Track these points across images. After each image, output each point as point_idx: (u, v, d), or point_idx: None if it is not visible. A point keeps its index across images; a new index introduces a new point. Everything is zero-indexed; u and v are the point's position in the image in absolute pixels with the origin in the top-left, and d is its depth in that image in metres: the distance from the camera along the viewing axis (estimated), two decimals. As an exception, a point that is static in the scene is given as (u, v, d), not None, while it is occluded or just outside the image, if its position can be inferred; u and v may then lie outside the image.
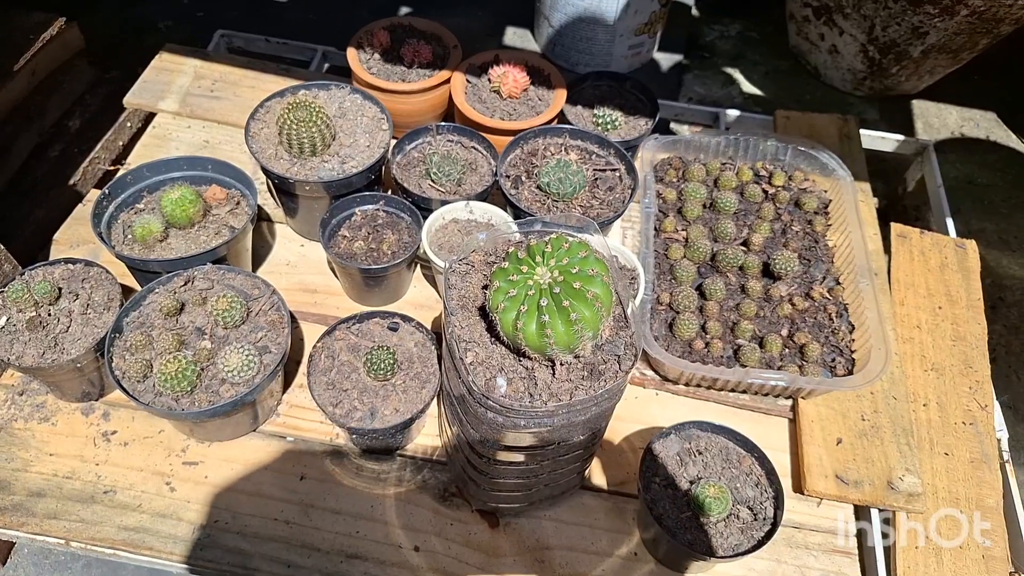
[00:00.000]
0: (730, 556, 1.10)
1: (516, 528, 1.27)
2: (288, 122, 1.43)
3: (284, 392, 1.39)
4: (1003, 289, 2.23)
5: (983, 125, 2.69)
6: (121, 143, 2.03)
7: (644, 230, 1.54)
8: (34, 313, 1.24)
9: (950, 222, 1.86)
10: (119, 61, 2.19)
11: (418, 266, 1.59)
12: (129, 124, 2.09)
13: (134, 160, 1.76)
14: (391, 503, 1.28)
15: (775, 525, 1.13)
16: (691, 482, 1.18)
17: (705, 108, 2.12)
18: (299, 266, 1.60)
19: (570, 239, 0.96)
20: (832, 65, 2.65)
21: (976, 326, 1.60)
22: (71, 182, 1.88)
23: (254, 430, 1.34)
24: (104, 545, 1.20)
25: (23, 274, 1.31)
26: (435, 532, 1.26)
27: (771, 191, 1.67)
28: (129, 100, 1.92)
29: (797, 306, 1.47)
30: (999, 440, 1.49)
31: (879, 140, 2.08)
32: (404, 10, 2.79)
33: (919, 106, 2.74)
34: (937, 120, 2.69)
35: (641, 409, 1.44)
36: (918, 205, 2.18)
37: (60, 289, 1.29)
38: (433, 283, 1.58)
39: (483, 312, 1.02)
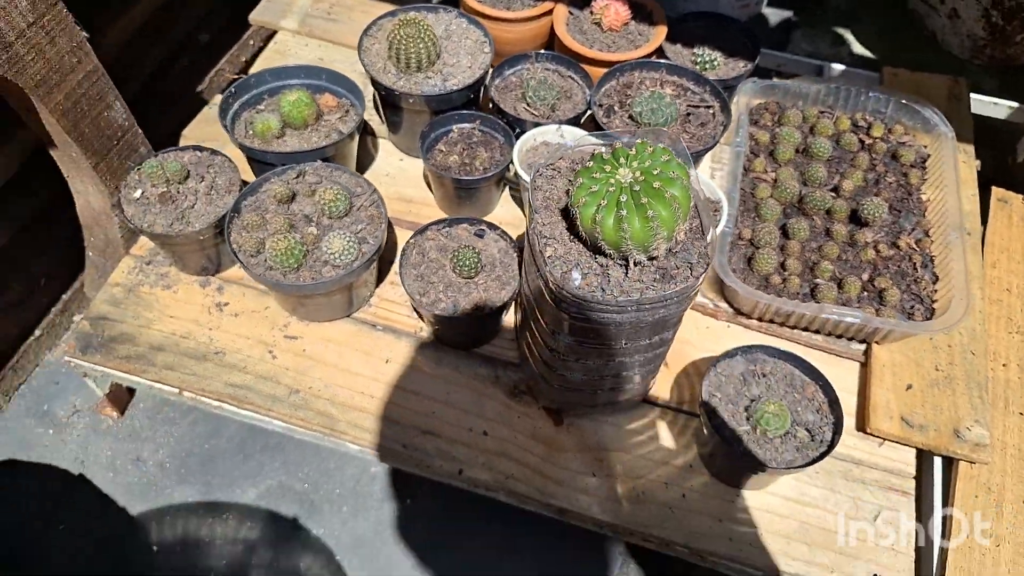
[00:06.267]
0: (782, 469, 1.14)
1: (579, 428, 1.35)
2: (398, 38, 1.52)
3: (377, 286, 1.50)
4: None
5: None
6: (244, 59, 2.18)
7: (732, 168, 1.56)
8: (165, 189, 1.39)
9: (1058, 192, 1.79)
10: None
11: (507, 188, 1.66)
12: (252, 42, 2.24)
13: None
14: (466, 393, 1.38)
15: (831, 447, 1.16)
16: (752, 400, 1.22)
17: (810, 60, 2.08)
18: (398, 178, 1.70)
19: (655, 145, 1.01)
20: (951, 30, 2.54)
21: (1071, 295, 1.55)
22: (198, 90, 2.05)
23: (348, 315, 1.46)
24: (212, 397, 1.35)
25: (156, 156, 1.46)
26: (503, 422, 1.35)
27: (868, 141, 1.66)
28: (253, 17, 2.06)
29: (881, 253, 1.47)
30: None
31: (991, 106, 2.00)
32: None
33: (1045, 79, 2.59)
34: (1063, 95, 2.54)
35: (712, 339, 1.48)
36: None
37: (188, 171, 1.43)
38: (520, 204, 1.65)
39: (564, 213, 1.08)
